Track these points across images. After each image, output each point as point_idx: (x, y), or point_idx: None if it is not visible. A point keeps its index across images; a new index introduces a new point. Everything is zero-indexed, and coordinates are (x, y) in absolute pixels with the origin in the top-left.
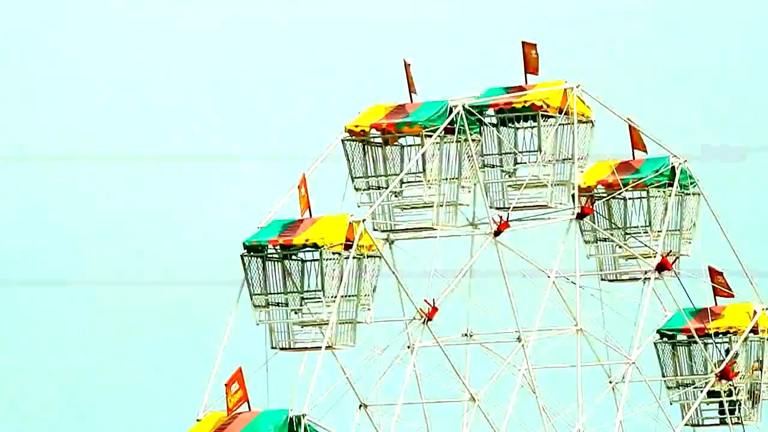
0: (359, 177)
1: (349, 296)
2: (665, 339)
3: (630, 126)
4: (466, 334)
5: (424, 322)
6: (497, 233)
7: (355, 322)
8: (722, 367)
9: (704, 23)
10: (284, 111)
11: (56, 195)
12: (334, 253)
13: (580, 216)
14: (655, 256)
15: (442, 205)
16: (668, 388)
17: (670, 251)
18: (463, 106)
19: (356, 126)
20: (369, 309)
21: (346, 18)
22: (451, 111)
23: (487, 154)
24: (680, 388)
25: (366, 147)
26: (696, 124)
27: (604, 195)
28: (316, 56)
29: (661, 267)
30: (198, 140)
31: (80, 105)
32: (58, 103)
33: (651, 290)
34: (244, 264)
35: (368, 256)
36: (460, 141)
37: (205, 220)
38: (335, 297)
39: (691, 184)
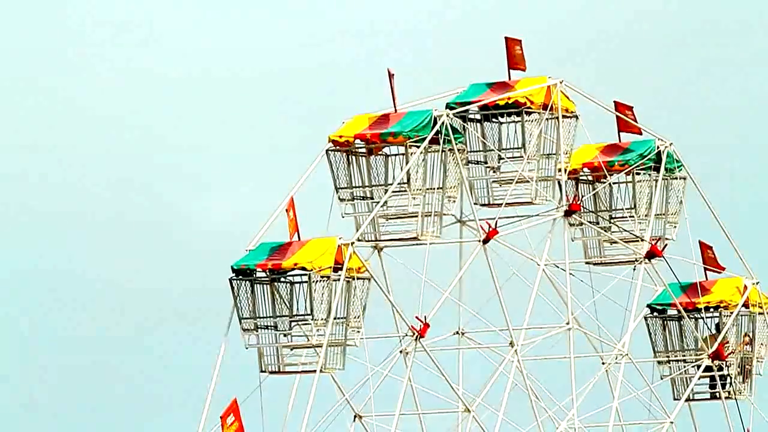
0: (344, 187)
1: (339, 319)
2: (656, 314)
3: (617, 110)
4: (458, 332)
5: (416, 339)
6: (486, 241)
7: (344, 344)
8: (714, 347)
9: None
10: (267, 121)
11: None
12: (322, 277)
13: (568, 213)
14: (641, 240)
15: (429, 215)
16: (659, 363)
17: (660, 237)
18: (447, 116)
19: (340, 136)
20: (358, 331)
21: (332, 22)
22: (435, 121)
23: (471, 151)
24: (671, 363)
25: (350, 157)
26: (683, 111)
27: (591, 182)
28: (304, 59)
29: (651, 254)
30: (181, 154)
31: (79, 105)
32: (56, 102)
33: (641, 278)
34: (232, 288)
35: (357, 278)
36: (444, 151)
37: (193, 234)
38: (325, 320)
39: (678, 167)
